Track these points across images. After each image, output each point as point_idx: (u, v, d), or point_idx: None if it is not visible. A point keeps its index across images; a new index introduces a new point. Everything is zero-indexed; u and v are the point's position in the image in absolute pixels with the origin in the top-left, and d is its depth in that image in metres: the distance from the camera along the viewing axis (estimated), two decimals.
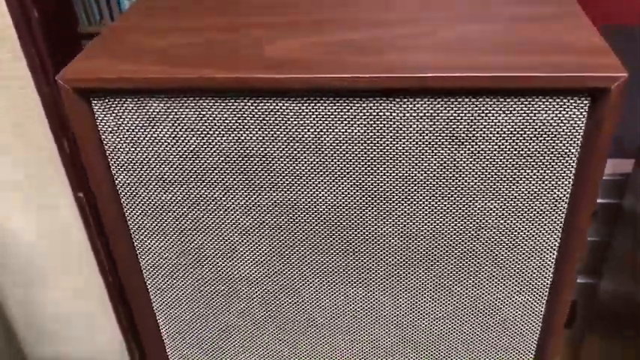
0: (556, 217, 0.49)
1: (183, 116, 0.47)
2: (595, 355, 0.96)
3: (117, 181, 0.51)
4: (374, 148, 0.47)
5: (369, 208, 0.50)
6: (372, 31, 0.49)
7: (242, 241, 0.54)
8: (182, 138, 0.48)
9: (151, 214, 0.53)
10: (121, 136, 0.49)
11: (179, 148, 0.49)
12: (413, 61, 0.44)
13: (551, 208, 0.49)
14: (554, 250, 0.51)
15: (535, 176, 0.47)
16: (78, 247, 1.81)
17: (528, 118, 0.44)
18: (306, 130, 0.47)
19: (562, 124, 0.44)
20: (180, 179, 0.51)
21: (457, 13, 0.52)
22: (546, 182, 0.47)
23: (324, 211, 0.51)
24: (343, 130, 0.46)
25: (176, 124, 0.48)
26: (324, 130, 0.47)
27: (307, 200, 0.50)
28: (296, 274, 0.55)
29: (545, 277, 0.53)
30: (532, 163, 0.47)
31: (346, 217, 0.51)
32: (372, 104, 0.45)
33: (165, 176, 0.51)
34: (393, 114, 0.45)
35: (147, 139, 0.49)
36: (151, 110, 0.47)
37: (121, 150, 0.50)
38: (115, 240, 0.55)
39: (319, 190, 0.50)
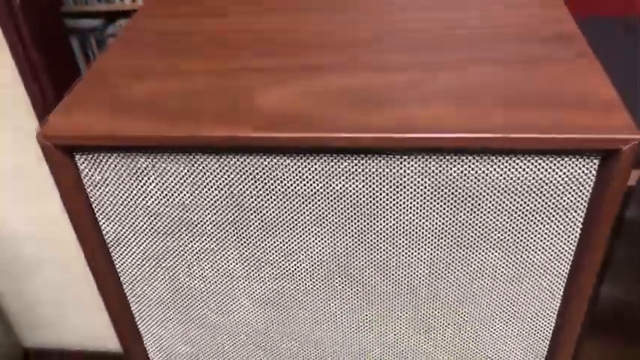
0: (559, 270, 0.47)
1: (172, 171, 0.45)
2: None
3: (104, 232, 0.49)
4: (373, 202, 0.45)
5: (367, 260, 0.48)
6: (369, 77, 0.47)
7: (235, 285, 0.52)
8: (172, 192, 0.46)
9: (140, 262, 0.51)
10: (108, 190, 0.47)
11: (169, 201, 0.47)
12: (415, 118, 0.42)
13: (555, 260, 0.47)
14: (558, 299, 0.49)
15: (539, 230, 0.45)
16: (69, 234, 1.79)
17: (535, 175, 0.42)
18: (302, 186, 0.45)
19: (569, 182, 0.43)
20: (170, 230, 0.48)
21: (458, 52, 0.49)
22: (551, 236, 0.46)
23: (320, 260, 0.49)
24: (341, 186, 0.44)
25: (165, 179, 0.45)
26: (322, 186, 0.44)
27: (303, 250, 0.48)
28: (292, 318, 0.53)
29: (548, 322, 0.52)
30: (537, 218, 0.45)
31: (343, 267, 0.49)
32: (372, 161, 0.43)
33: (155, 227, 0.48)
34: (394, 171, 0.43)
35: (135, 192, 0.47)
36: (139, 165, 0.45)
37: (108, 203, 0.47)
38: (103, 285, 0.53)
39: (316, 241, 0.48)
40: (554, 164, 0.42)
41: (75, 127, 0.44)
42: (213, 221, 0.47)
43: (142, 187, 0.46)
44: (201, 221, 0.48)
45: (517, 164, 0.42)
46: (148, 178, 0.46)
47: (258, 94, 0.45)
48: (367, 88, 0.46)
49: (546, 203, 0.44)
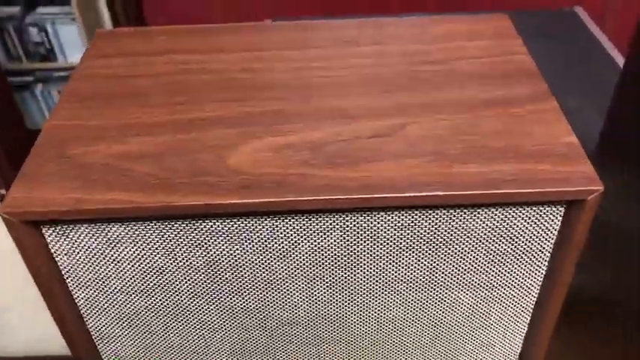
0: (526, 305, 0.50)
1: (145, 238, 0.44)
2: (571, 355, 0.99)
3: (75, 297, 0.48)
4: (350, 254, 0.46)
5: (344, 308, 0.49)
6: (335, 126, 0.47)
7: (212, 339, 0.52)
8: (145, 256, 0.45)
9: (113, 321, 0.50)
10: (78, 258, 0.45)
11: (143, 265, 0.46)
12: (386, 177, 0.42)
13: (522, 296, 0.49)
14: (523, 332, 0.52)
15: (507, 270, 0.47)
16: (7, 242, 1.73)
17: (504, 223, 0.44)
18: (278, 243, 0.45)
19: (536, 229, 0.44)
20: (144, 291, 0.48)
21: (422, 94, 0.50)
22: (518, 276, 0.47)
23: (298, 310, 0.49)
24: (318, 242, 0.45)
25: (138, 245, 0.45)
26: (298, 242, 0.45)
27: (281, 302, 0.49)
28: None
29: (514, 349, 0.54)
30: (505, 260, 0.46)
31: (321, 315, 0.50)
32: (347, 218, 0.43)
33: (128, 289, 0.48)
34: (369, 225, 0.44)
35: (106, 259, 0.46)
36: (110, 234, 0.44)
37: (78, 270, 0.46)
38: (74, 343, 0.52)
39: (293, 292, 0.48)
40: (522, 213, 0.43)
41: (39, 201, 0.42)
42: (188, 280, 0.47)
43: (113, 253, 0.45)
44: (176, 281, 0.47)
45: (485, 214, 0.43)
46: (120, 245, 0.45)
47: (227, 155, 0.45)
48: (335, 141, 0.46)
49: (514, 247, 0.45)
